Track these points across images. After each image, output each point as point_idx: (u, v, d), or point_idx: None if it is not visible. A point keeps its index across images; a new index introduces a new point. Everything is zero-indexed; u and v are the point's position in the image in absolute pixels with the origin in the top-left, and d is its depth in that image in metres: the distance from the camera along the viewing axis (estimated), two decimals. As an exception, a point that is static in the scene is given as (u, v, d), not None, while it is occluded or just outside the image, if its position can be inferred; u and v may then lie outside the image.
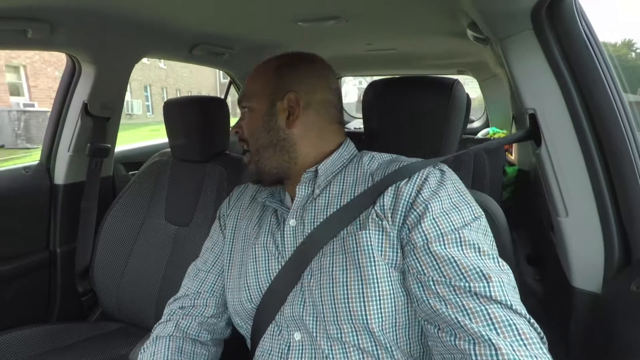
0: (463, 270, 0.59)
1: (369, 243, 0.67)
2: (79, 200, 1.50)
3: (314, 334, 0.69)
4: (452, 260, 0.60)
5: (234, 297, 0.82)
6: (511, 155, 2.25)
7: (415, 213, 0.66)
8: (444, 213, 0.65)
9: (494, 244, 0.67)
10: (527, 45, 0.82)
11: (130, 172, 1.89)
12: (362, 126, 3.14)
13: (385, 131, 0.95)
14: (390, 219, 0.68)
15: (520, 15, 0.79)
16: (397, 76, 0.98)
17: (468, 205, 0.67)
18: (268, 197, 0.85)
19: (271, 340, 0.74)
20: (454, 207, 0.66)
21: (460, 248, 0.61)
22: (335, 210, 0.73)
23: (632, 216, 0.77)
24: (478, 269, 0.58)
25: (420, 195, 0.67)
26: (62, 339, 1.27)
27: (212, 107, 1.36)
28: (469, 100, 1.08)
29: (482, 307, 0.55)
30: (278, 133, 0.79)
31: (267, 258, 0.78)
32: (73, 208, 1.50)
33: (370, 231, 0.68)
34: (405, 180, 0.70)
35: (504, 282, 0.58)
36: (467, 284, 0.57)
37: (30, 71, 12.28)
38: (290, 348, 0.71)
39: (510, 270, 0.62)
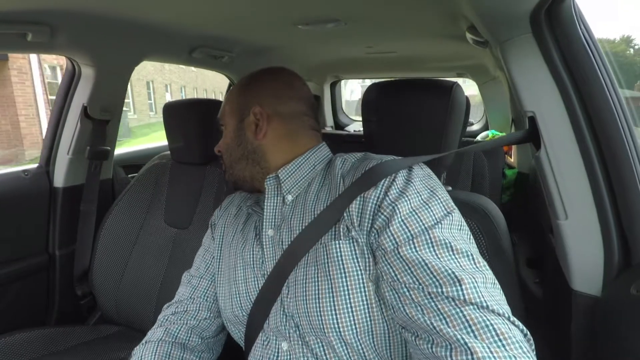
0: (436, 274, 0.57)
1: (339, 253, 0.66)
2: (79, 203, 1.50)
3: (299, 345, 0.70)
4: (424, 264, 0.58)
5: (225, 305, 0.82)
6: (510, 157, 2.25)
7: (382, 216, 0.64)
8: (413, 212, 0.63)
9: (471, 237, 0.65)
10: (526, 48, 0.82)
11: (129, 175, 1.89)
12: (361, 129, 3.14)
13: (385, 134, 0.95)
14: (357, 226, 0.67)
15: (520, 18, 0.80)
16: (396, 79, 0.98)
17: (439, 201, 0.65)
18: (253, 204, 0.87)
19: (262, 349, 0.75)
20: (424, 204, 0.64)
21: (432, 250, 0.59)
22: (310, 220, 0.72)
23: (631, 219, 0.77)
24: (450, 272, 0.56)
25: (387, 197, 0.65)
26: (61, 342, 1.27)
27: (211, 110, 1.36)
28: (468, 103, 1.09)
29: (458, 310, 0.53)
30: (247, 146, 0.82)
31: (253, 268, 0.79)
32: (72, 211, 1.50)
33: (341, 241, 0.67)
34: (373, 186, 0.68)
35: (477, 282, 0.56)
36: (440, 289, 0.56)
37: None
38: (279, 357, 0.72)
39: (488, 268, 0.60)
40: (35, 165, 1.50)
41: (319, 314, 0.65)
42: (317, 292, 0.66)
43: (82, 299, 1.50)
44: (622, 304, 0.72)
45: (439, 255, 0.59)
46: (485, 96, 2.88)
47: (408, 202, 0.64)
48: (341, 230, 0.68)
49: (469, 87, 3.58)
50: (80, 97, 1.42)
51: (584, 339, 0.82)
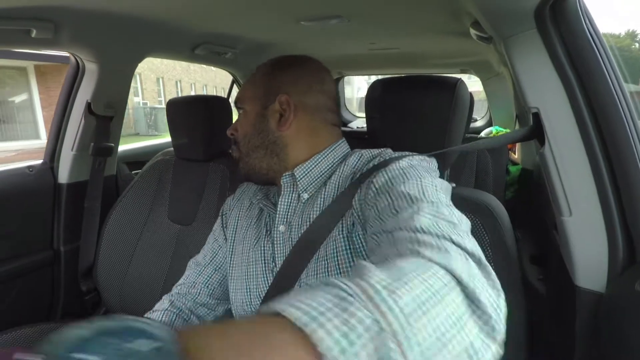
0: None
1: (348, 248, 0.66)
2: (83, 199, 1.51)
3: None
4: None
5: (236, 300, 0.83)
6: (514, 154, 2.24)
7: (369, 194, 0.64)
8: (389, 182, 0.63)
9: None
10: (530, 44, 0.82)
11: (133, 172, 1.90)
12: (364, 125, 3.14)
13: (388, 131, 0.95)
14: (360, 216, 0.66)
15: (524, 14, 0.79)
16: (400, 75, 0.98)
17: (421, 175, 0.63)
18: (263, 198, 0.84)
19: None
20: (403, 175, 0.63)
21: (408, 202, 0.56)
22: (317, 215, 0.72)
23: (636, 215, 0.76)
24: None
25: (372, 181, 0.65)
26: (65, 338, 1.28)
27: (215, 106, 1.36)
28: (472, 99, 1.08)
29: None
30: (269, 135, 0.79)
31: (263, 264, 0.78)
32: (76, 207, 1.51)
33: (349, 235, 0.66)
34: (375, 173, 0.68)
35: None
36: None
37: (143, 77, 16.53)
38: None
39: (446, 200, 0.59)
40: (39, 162, 1.51)
41: None
42: None
43: (86, 295, 1.51)
44: (627, 300, 0.72)
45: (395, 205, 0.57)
46: (489, 92, 2.87)
47: (386, 173, 0.65)
48: (348, 223, 0.67)
49: (474, 84, 3.56)
50: (84, 93, 1.43)
51: (587, 335, 0.82)
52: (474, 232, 0.87)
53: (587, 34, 0.77)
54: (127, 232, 1.40)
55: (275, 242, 0.77)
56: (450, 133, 0.89)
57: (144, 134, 14.73)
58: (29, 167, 1.45)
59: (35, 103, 9.92)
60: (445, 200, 0.58)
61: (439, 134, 0.89)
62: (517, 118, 2.18)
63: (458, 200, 0.91)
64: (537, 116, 0.83)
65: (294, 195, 0.78)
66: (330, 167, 0.78)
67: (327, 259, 0.68)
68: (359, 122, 3.59)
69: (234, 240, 0.88)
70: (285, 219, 0.77)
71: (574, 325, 0.84)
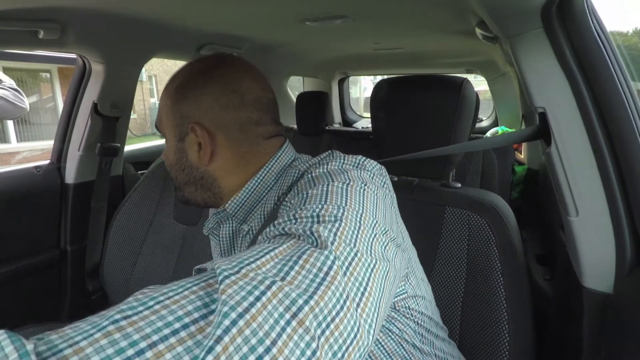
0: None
1: None
2: (89, 199, 1.52)
3: None
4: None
5: None
6: (520, 154, 2.23)
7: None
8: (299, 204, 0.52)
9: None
10: (536, 43, 0.81)
11: (139, 172, 1.91)
12: (369, 126, 3.14)
13: (393, 131, 0.94)
14: None
15: (530, 13, 0.79)
16: (405, 75, 0.98)
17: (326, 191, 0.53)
18: (213, 228, 0.76)
19: None
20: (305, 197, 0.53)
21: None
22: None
23: (644, 216, 0.76)
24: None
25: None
26: (72, 337, 1.28)
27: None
28: (477, 99, 1.08)
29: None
30: (193, 171, 0.68)
31: None
32: (83, 207, 1.52)
33: None
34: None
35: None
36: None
37: (159, 79, 16.80)
38: None
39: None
40: (47, 162, 1.52)
41: None
42: None
43: (93, 294, 1.52)
44: (634, 301, 0.72)
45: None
46: (495, 92, 2.86)
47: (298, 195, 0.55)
48: None
49: (480, 83, 3.55)
50: (91, 94, 1.44)
51: (595, 336, 0.81)
52: (481, 233, 0.87)
53: (594, 32, 0.77)
54: (133, 232, 1.41)
55: None
56: (456, 133, 0.88)
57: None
58: (36, 167, 1.46)
59: (59, 105, 10.20)
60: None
61: (444, 134, 0.89)
62: (523, 118, 2.18)
63: (464, 200, 0.91)
64: (543, 116, 0.82)
65: (233, 227, 0.70)
66: (267, 190, 0.68)
67: None
68: (364, 122, 3.59)
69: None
70: (221, 253, 0.71)
71: (581, 326, 0.84)
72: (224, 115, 0.65)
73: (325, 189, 0.53)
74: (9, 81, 1.86)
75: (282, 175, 0.68)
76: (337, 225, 0.45)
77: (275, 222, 0.49)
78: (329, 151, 0.67)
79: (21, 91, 1.88)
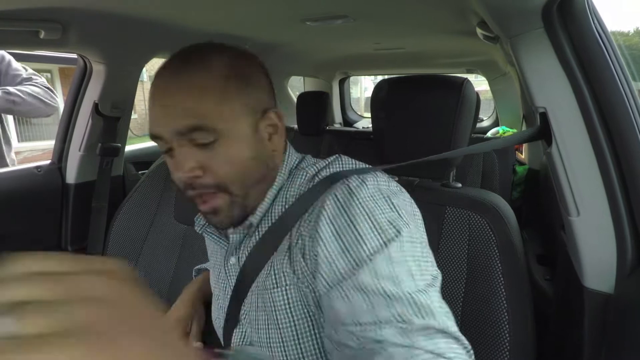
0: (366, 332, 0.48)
1: (286, 301, 0.59)
2: (90, 199, 1.52)
3: None
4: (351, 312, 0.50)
5: (212, 309, 0.80)
6: (521, 154, 2.23)
7: (312, 269, 0.56)
8: (340, 257, 0.53)
9: (423, 258, 0.57)
10: (537, 43, 0.81)
11: (140, 172, 1.91)
12: (370, 126, 3.14)
13: (394, 131, 0.94)
14: (299, 272, 0.58)
15: (531, 13, 0.79)
16: (406, 75, 0.98)
17: (371, 229, 0.54)
18: (206, 225, 0.74)
19: None
20: (354, 237, 0.53)
21: (364, 299, 0.50)
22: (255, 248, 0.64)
23: (645, 216, 0.76)
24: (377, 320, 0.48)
25: (312, 239, 0.56)
26: (73, 337, 1.29)
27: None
28: (478, 99, 1.08)
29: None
30: (268, 162, 0.64)
31: (223, 291, 0.73)
32: (84, 207, 1.52)
33: (286, 286, 0.60)
34: (307, 214, 0.59)
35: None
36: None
37: None
38: None
39: (431, 285, 0.54)
40: (47, 162, 1.52)
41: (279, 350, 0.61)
42: (268, 339, 0.62)
43: (94, 294, 1.52)
44: (636, 301, 0.72)
45: (374, 306, 0.49)
46: (496, 92, 2.86)
47: (338, 241, 0.54)
48: (283, 271, 0.60)
49: (480, 83, 3.55)
50: (92, 94, 1.44)
51: (595, 336, 0.81)
52: (481, 233, 0.87)
53: (595, 32, 0.77)
54: (134, 232, 1.41)
55: (228, 274, 0.71)
56: (457, 133, 0.88)
57: None
58: (37, 167, 1.46)
59: (60, 105, 10.31)
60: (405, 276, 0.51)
61: (445, 134, 0.89)
62: (524, 118, 2.17)
63: (465, 200, 0.91)
64: (544, 116, 0.82)
65: (243, 232, 0.68)
66: (280, 189, 0.66)
67: (256, 311, 0.63)
68: (365, 122, 3.59)
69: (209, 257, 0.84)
70: (235, 250, 0.70)
71: (582, 326, 0.84)
72: (272, 98, 0.65)
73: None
74: (40, 79, 1.87)
75: (289, 176, 0.67)
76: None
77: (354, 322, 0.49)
78: (336, 156, 0.67)
79: (53, 89, 1.89)
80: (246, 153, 0.60)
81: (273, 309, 0.60)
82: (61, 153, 1.52)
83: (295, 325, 0.59)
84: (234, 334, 0.69)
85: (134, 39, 1.35)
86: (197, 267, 0.98)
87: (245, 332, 0.67)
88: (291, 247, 0.59)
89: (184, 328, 0.82)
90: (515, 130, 2.50)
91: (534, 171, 2.01)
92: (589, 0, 0.78)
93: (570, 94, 0.79)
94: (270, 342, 0.62)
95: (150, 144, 2.23)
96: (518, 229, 0.86)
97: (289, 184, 0.66)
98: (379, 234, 0.53)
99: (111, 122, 1.50)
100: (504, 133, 2.50)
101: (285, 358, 0.60)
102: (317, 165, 0.66)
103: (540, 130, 0.84)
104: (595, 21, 0.78)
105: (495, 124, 2.98)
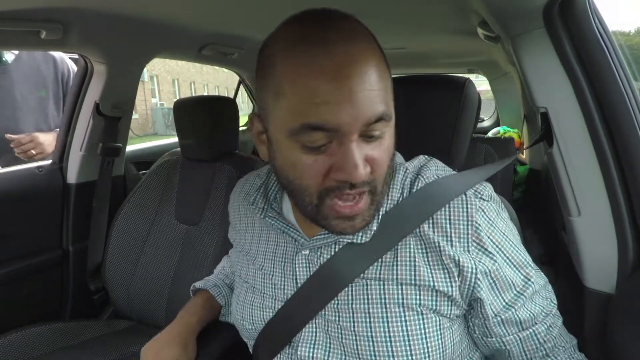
0: (543, 341, 0.64)
1: (419, 299, 0.58)
2: (91, 199, 1.52)
3: None
4: (532, 334, 0.63)
5: (236, 310, 0.76)
6: (522, 154, 2.23)
7: (471, 279, 0.58)
8: (501, 275, 0.61)
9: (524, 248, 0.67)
10: (538, 43, 0.81)
11: (140, 172, 1.91)
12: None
13: (396, 130, 0.94)
14: (448, 278, 0.58)
15: (532, 13, 0.79)
16: (407, 75, 0.98)
17: (518, 249, 0.64)
18: (268, 210, 0.69)
19: None
20: (509, 263, 0.62)
21: (526, 309, 0.62)
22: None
23: (646, 216, 0.75)
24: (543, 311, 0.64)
25: (482, 251, 0.59)
26: (74, 337, 1.29)
27: (222, 107, 1.37)
28: (479, 99, 1.08)
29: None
30: (392, 157, 0.59)
31: (273, 285, 0.68)
32: (85, 207, 1.52)
33: (420, 288, 0.59)
34: (444, 218, 0.59)
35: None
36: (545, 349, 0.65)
37: (160, 79, 17.46)
38: None
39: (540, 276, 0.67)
40: (49, 162, 1.52)
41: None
42: (387, 336, 0.59)
43: (95, 294, 1.52)
44: (637, 301, 0.71)
45: (537, 302, 0.64)
46: (497, 92, 2.86)
47: (501, 252, 0.61)
48: (416, 272, 0.59)
49: (481, 83, 3.54)
50: (93, 94, 1.44)
51: (597, 337, 0.81)
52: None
53: (595, 32, 0.77)
54: (135, 232, 1.41)
55: (296, 266, 0.65)
56: (458, 133, 0.88)
57: (162, 133, 15.15)
58: (38, 167, 1.46)
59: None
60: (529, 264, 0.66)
61: (446, 134, 0.89)
62: (525, 118, 2.17)
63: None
64: (545, 116, 0.82)
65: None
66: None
67: (368, 302, 0.60)
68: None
69: (241, 248, 0.78)
70: (311, 242, 0.64)
71: (583, 326, 0.84)
72: None
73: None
74: None
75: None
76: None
77: None
78: (426, 157, 0.69)
79: None
80: (389, 151, 0.57)
81: (394, 300, 0.59)
82: (62, 153, 1.52)
83: (424, 320, 0.59)
84: (300, 335, 0.64)
85: (135, 39, 1.35)
86: (197, 284, 0.94)
87: (318, 333, 0.64)
88: (425, 252, 0.59)
89: None
90: (516, 130, 2.49)
91: (535, 171, 2.01)
92: (590, 0, 0.77)
93: (571, 94, 0.78)
94: (372, 339, 0.59)
95: (151, 144, 2.23)
96: (519, 229, 0.86)
97: (391, 180, 0.63)
98: (521, 253, 0.65)
99: (112, 122, 1.50)
100: (504, 133, 2.50)
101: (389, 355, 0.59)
102: (413, 163, 0.67)
103: (542, 132, 0.84)
104: (597, 21, 0.78)
105: (496, 123, 2.98)
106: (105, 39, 1.29)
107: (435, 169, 0.66)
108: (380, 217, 0.61)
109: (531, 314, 0.62)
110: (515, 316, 0.62)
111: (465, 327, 0.65)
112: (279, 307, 0.66)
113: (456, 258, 0.57)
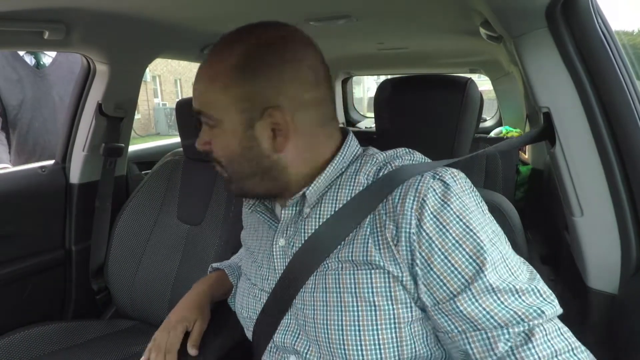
0: (503, 324, 0.54)
1: (371, 286, 0.59)
2: (94, 199, 1.52)
3: None
4: (488, 316, 0.54)
5: (237, 301, 0.82)
6: (525, 154, 2.22)
7: (421, 255, 0.56)
8: (457, 247, 0.56)
9: (503, 234, 0.63)
10: (541, 42, 0.81)
11: (143, 172, 1.91)
12: (372, 126, 3.13)
13: (398, 131, 0.94)
14: (393, 256, 0.58)
15: (535, 12, 0.78)
16: (410, 75, 0.98)
17: (482, 225, 0.58)
18: (257, 203, 0.74)
19: (269, 356, 0.72)
20: (467, 234, 0.56)
21: (494, 297, 0.55)
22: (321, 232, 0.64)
23: (649, 216, 0.75)
24: (517, 316, 0.54)
25: (421, 228, 0.56)
26: (77, 336, 1.29)
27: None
28: (481, 99, 1.08)
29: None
30: (262, 161, 0.63)
31: (261, 277, 0.73)
32: (88, 207, 1.52)
33: (371, 271, 0.59)
34: (397, 197, 0.58)
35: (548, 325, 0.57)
36: (509, 337, 0.54)
37: (162, 79, 17.53)
38: None
39: (527, 263, 0.64)
40: (51, 162, 1.53)
41: (342, 346, 0.60)
42: (341, 323, 0.61)
43: (97, 294, 1.52)
44: (640, 302, 0.71)
45: (503, 301, 0.55)
46: (499, 92, 2.85)
47: (447, 233, 0.56)
48: (367, 253, 0.60)
49: (483, 83, 3.54)
50: (95, 94, 1.44)
51: (600, 337, 0.81)
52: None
53: (598, 32, 0.76)
54: (137, 232, 1.41)
55: (275, 257, 0.70)
56: (460, 133, 0.88)
57: (165, 133, 15.16)
58: (41, 167, 1.47)
59: None
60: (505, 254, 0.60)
61: (448, 134, 0.89)
62: (527, 118, 2.16)
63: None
64: (548, 116, 0.82)
65: (295, 211, 0.68)
66: (340, 173, 0.66)
67: (325, 291, 0.62)
68: (368, 122, 3.58)
69: (245, 245, 0.85)
70: (285, 232, 0.68)
71: (585, 326, 0.83)
72: (303, 94, 0.61)
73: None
74: None
75: (354, 162, 0.67)
76: None
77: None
78: (407, 150, 0.68)
79: None
80: (233, 148, 0.63)
81: (347, 289, 0.60)
82: (65, 153, 1.52)
83: (375, 308, 0.59)
84: (280, 323, 0.69)
85: (138, 39, 1.36)
86: (214, 265, 0.98)
87: (290, 320, 0.68)
88: (376, 231, 0.60)
89: (185, 329, 0.82)
90: (518, 130, 2.49)
91: (537, 171, 2.01)
92: (592, 0, 0.77)
93: (574, 94, 0.78)
94: (329, 326, 0.61)
95: (154, 144, 2.24)
96: (522, 229, 0.86)
97: (359, 167, 0.65)
98: (485, 228, 0.59)
99: (115, 122, 1.50)
100: (507, 133, 2.49)
101: (360, 344, 0.60)
102: (386, 154, 0.67)
103: (544, 132, 0.84)
104: (599, 20, 0.78)
105: (499, 123, 2.96)
106: (107, 39, 1.29)
107: (410, 160, 0.65)
108: (340, 199, 0.64)
109: (487, 313, 0.54)
110: (460, 309, 0.55)
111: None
112: (266, 298, 0.71)
113: (396, 235, 0.58)
